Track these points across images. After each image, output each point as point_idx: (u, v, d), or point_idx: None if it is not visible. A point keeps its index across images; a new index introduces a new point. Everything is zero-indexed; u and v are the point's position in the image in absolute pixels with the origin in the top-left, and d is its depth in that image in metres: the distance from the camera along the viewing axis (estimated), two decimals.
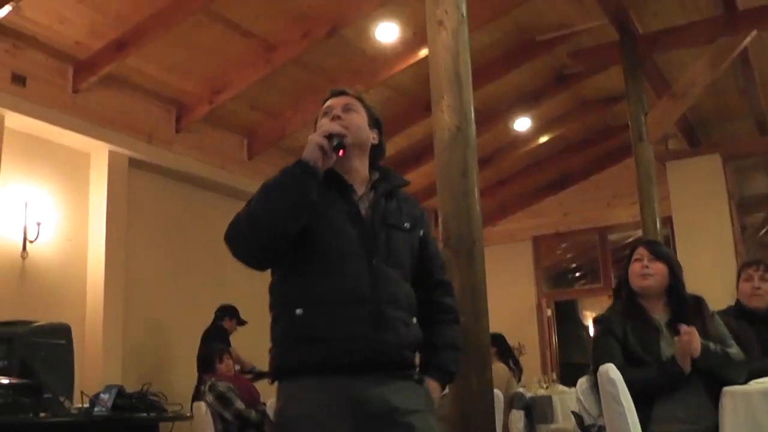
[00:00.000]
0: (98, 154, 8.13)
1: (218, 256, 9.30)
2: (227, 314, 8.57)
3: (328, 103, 3.05)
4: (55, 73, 7.56)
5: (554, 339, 13.01)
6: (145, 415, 3.49)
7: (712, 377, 3.70)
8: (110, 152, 8.11)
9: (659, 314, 3.97)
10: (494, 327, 8.81)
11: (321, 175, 2.75)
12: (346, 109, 2.99)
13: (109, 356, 7.67)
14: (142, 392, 3.56)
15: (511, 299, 12.55)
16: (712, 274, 8.65)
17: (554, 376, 10.55)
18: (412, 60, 8.65)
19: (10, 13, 6.73)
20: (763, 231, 14.03)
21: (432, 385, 2.90)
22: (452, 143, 4.44)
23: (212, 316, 8.51)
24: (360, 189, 2.94)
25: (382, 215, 2.91)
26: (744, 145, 11.69)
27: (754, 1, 8.30)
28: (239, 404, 7.09)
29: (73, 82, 7.69)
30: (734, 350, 3.85)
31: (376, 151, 3.07)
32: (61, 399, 3.40)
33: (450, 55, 4.57)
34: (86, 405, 3.67)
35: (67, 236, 7.82)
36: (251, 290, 9.47)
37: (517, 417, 7.72)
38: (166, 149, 8.66)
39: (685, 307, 3.97)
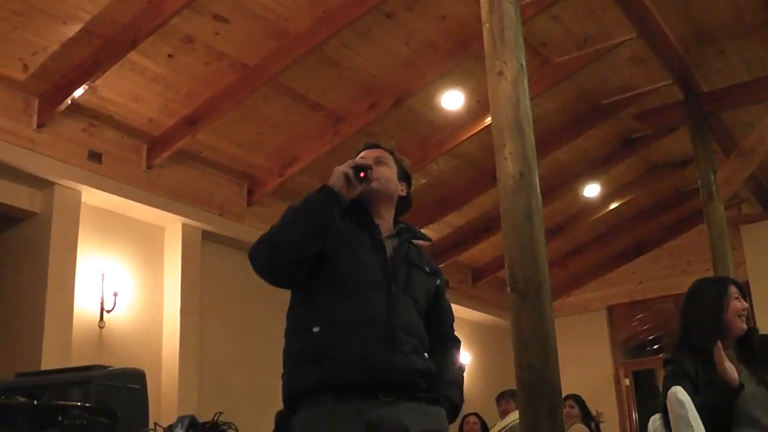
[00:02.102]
0: (172, 227, 8.36)
1: None
2: None
3: (360, 155, 3.17)
4: (129, 150, 7.83)
5: (634, 410, 12.77)
6: None
7: None
8: (183, 225, 8.32)
9: (731, 352, 3.94)
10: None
11: (345, 202, 2.89)
12: (378, 161, 3.12)
13: None
14: (215, 421, 3.67)
15: (587, 370, 12.45)
16: None
17: None
18: (478, 128, 8.75)
19: (86, 93, 7.04)
20: None
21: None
22: (516, 189, 4.52)
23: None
24: (385, 232, 3.06)
25: (405, 255, 3.03)
26: None
27: None
28: None
29: (147, 158, 7.95)
30: None
31: (404, 203, 3.21)
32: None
33: (510, 104, 4.68)
34: None
35: (143, 306, 8.00)
36: None
37: None
38: (238, 222, 8.83)
39: (754, 338, 3.95)
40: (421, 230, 3.23)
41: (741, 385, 3.69)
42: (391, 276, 2.93)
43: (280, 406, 8.18)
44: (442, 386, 2.99)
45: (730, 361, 3.80)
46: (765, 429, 3.67)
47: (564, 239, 12.22)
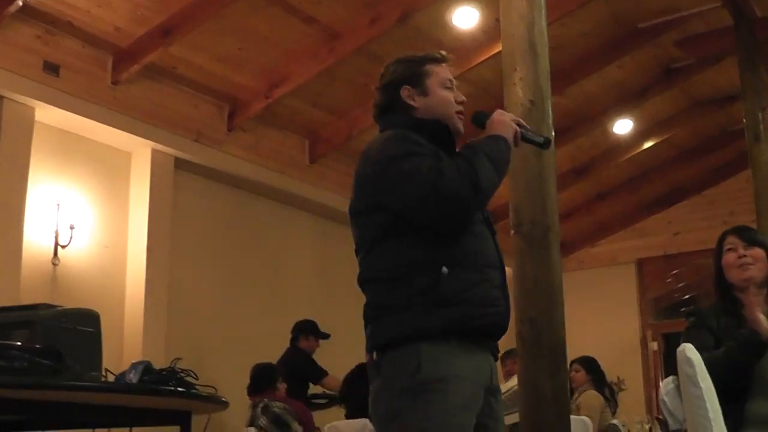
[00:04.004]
0: (140, 153, 8.37)
1: (273, 269, 9.54)
2: (301, 332, 8.64)
3: (447, 74, 3.37)
4: (92, 62, 7.80)
5: (661, 378, 12.82)
6: (173, 388, 3.65)
7: None
8: (153, 151, 8.34)
9: (760, 308, 4.00)
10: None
11: None
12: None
13: None
14: (172, 367, 3.74)
15: (611, 330, 12.67)
16: None
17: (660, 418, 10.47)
18: (495, 50, 8.72)
19: None
20: None
21: None
22: (526, 119, 4.50)
23: (265, 335, 8.67)
24: None
25: None
26: None
27: None
28: (297, 427, 7.23)
29: (113, 72, 7.91)
30: None
31: None
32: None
33: (524, 23, 4.71)
34: None
35: (104, 242, 8.05)
36: (311, 304, 9.69)
37: None
38: (217, 149, 8.86)
39: None
40: None
41: None
42: (485, 213, 3.16)
43: (256, 356, 8.25)
44: None
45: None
46: None
47: (590, 181, 12.26)
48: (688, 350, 3.49)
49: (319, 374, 8.46)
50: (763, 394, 3.76)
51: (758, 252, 4.07)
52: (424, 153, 3.00)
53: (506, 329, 3.10)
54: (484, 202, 3.03)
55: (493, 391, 3.05)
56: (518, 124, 3.15)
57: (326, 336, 8.78)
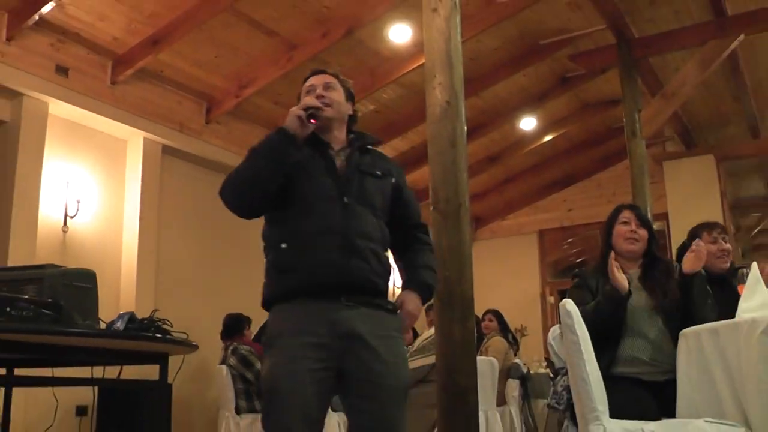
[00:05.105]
0: (134, 140, 8.33)
1: (241, 239, 9.51)
2: None
3: (310, 81, 3.27)
4: (95, 66, 7.76)
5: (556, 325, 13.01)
6: (151, 334, 3.68)
7: (677, 322, 3.80)
8: (145, 139, 8.31)
9: (632, 271, 4.07)
10: (501, 311, 8.98)
11: (300, 141, 3.00)
12: (327, 87, 3.22)
13: None
14: (151, 317, 3.77)
15: (517, 286, 12.87)
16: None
17: None
18: (423, 60, 8.74)
19: (54, 9, 6.98)
20: (756, 231, 14.04)
21: (412, 297, 3.13)
22: (443, 117, 4.62)
23: (234, 291, 8.68)
24: (338, 146, 3.18)
25: (356, 164, 3.14)
26: (736, 148, 11.71)
27: (742, 7, 8.40)
28: (260, 366, 7.27)
29: (112, 74, 7.88)
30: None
31: (352, 120, 3.32)
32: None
33: (443, 38, 4.76)
34: None
35: (105, 214, 8.01)
36: None
37: (513, 386, 7.85)
38: (196, 138, 8.85)
39: (658, 265, 4.07)
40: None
41: (629, 293, 3.84)
42: (344, 189, 3.05)
43: (227, 308, 8.23)
44: (415, 272, 3.18)
45: (625, 274, 3.95)
46: (651, 341, 3.83)
47: (501, 167, 12.36)
48: (568, 305, 3.55)
49: None
50: (629, 338, 3.85)
51: (644, 233, 4.10)
52: None
53: (352, 283, 2.94)
54: (239, 188, 2.97)
55: (352, 337, 2.90)
56: (305, 108, 3.00)
57: None
